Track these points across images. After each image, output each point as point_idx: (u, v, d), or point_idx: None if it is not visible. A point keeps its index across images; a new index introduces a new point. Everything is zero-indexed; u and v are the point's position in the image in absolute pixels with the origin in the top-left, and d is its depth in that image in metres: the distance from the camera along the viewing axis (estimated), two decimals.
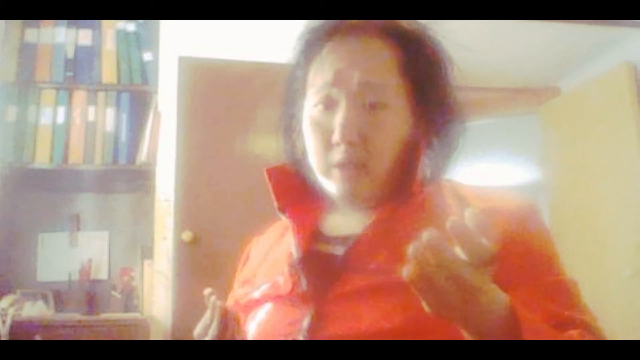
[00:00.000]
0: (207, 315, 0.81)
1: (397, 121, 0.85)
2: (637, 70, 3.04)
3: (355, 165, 0.83)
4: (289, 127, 0.94)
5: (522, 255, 0.78)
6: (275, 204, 0.91)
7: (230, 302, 0.97)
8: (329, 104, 0.86)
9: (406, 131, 0.86)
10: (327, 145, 0.85)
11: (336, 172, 0.84)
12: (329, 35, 0.89)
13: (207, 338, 0.80)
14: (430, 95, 0.88)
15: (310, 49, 0.90)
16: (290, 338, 0.77)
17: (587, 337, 0.72)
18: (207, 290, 0.82)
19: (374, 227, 0.82)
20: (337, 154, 0.83)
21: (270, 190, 0.92)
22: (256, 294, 0.87)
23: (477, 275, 0.62)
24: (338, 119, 0.83)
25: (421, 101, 0.88)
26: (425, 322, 0.71)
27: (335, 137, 0.83)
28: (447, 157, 0.91)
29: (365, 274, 0.78)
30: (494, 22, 2.57)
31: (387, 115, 0.84)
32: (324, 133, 0.85)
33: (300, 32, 0.92)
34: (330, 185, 0.86)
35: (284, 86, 0.95)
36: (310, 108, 0.89)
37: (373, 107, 0.84)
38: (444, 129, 0.90)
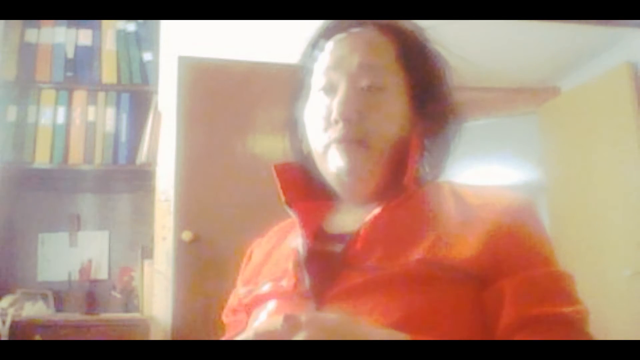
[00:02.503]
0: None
1: (394, 105, 0.88)
2: (637, 70, 3.04)
3: (353, 141, 0.85)
4: (296, 125, 0.96)
5: (512, 247, 0.78)
6: (283, 197, 0.92)
7: (233, 302, 0.97)
8: (329, 89, 0.89)
9: (403, 119, 0.88)
10: (326, 125, 0.87)
11: (334, 149, 0.86)
12: (332, 32, 0.92)
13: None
14: (426, 91, 0.90)
15: (314, 46, 0.93)
16: None
17: (547, 334, 0.72)
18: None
19: (371, 224, 0.82)
20: (336, 132, 0.85)
21: (277, 184, 0.93)
22: (259, 292, 0.87)
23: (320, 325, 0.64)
24: (337, 98, 0.86)
25: (418, 95, 0.89)
26: (424, 318, 0.72)
27: (334, 115, 0.85)
28: (444, 156, 0.92)
29: (362, 271, 0.78)
30: (494, 22, 2.57)
31: (385, 97, 0.87)
32: (324, 114, 0.88)
33: (309, 35, 0.95)
34: (331, 160, 0.87)
35: (292, 87, 0.97)
36: (312, 96, 0.91)
37: (371, 89, 0.86)
38: (441, 128, 0.91)
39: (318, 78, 0.90)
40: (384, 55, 0.89)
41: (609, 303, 2.86)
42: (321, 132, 0.88)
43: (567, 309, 0.76)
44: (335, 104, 0.86)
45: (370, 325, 0.70)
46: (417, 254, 0.78)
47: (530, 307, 0.74)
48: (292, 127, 0.97)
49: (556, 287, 0.78)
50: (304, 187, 0.94)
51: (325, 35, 0.93)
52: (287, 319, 0.63)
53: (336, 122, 0.85)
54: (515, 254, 0.78)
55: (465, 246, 0.78)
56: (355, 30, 0.91)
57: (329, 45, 0.91)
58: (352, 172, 0.86)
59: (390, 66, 0.88)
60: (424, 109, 0.90)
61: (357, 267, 0.79)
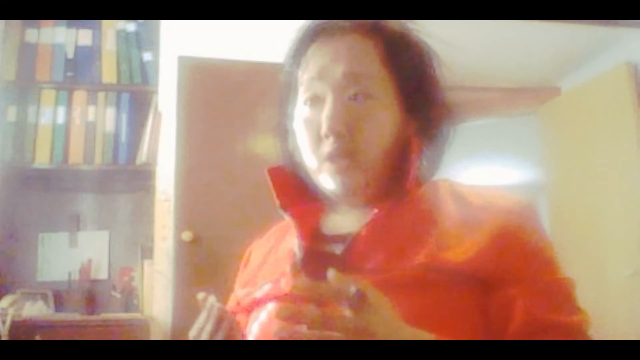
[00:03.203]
0: (203, 316, 0.80)
1: (383, 112, 0.86)
2: (637, 70, 3.04)
3: (345, 156, 0.83)
4: (285, 131, 0.94)
5: (518, 253, 0.78)
6: (277, 202, 0.91)
7: (231, 304, 0.96)
8: (315, 100, 0.86)
9: (395, 123, 0.86)
10: (317, 140, 0.85)
11: (327, 166, 0.85)
12: (314, 36, 0.90)
13: (202, 339, 0.79)
14: (417, 91, 0.88)
15: (296, 50, 0.91)
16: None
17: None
18: (201, 295, 0.81)
19: (371, 225, 0.82)
20: (327, 147, 0.84)
21: (271, 189, 0.92)
22: (258, 294, 0.87)
23: (359, 316, 0.64)
24: (325, 112, 0.84)
25: (409, 96, 0.88)
26: (425, 320, 0.72)
27: (323, 129, 0.83)
28: (439, 155, 0.91)
29: (364, 273, 0.78)
30: (494, 22, 2.57)
31: (373, 105, 0.85)
32: (313, 128, 0.86)
33: (291, 36, 0.93)
34: (324, 179, 0.86)
35: (278, 94, 0.95)
36: (299, 107, 0.89)
37: (358, 98, 0.84)
38: (435, 126, 0.89)
39: (303, 88, 0.88)
40: (369, 61, 0.86)
41: (609, 303, 2.86)
42: (313, 148, 0.86)
43: (575, 318, 0.76)
44: (323, 117, 0.83)
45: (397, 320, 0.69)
46: (418, 258, 0.77)
47: (541, 315, 0.75)
48: (282, 135, 0.95)
49: (564, 295, 0.79)
50: (298, 190, 0.93)
51: (306, 39, 0.90)
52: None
53: (326, 136, 0.83)
54: (522, 259, 0.78)
55: (466, 248, 0.77)
56: (337, 35, 0.88)
57: (311, 51, 0.88)
58: (346, 189, 0.85)
59: (377, 72, 0.86)
60: (416, 109, 0.88)
61: (357, 269, 0.79)
